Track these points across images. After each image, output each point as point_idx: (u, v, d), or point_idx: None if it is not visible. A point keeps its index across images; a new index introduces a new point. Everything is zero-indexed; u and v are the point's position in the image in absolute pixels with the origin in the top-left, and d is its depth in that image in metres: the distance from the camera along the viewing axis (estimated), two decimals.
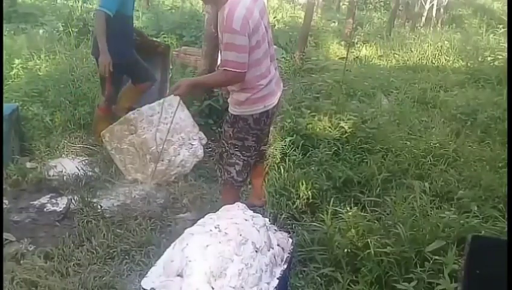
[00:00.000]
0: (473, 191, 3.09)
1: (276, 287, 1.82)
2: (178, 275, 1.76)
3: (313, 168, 3.42)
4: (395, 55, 8.42)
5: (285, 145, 3.70)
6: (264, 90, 2.46)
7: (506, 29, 8.60)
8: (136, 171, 3.50)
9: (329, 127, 3.98)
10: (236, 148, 2.56)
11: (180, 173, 3.54)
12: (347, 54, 6.25)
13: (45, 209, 3.13)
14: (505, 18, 10.10)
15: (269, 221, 2.19)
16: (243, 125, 2.51)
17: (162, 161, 3.43)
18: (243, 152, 2.56)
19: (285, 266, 1.96)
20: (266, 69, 2.45)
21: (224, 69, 2.32)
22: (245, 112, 2.49)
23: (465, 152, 3.79)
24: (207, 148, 3.93)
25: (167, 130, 3.28)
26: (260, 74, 2.41)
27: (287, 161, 3.51)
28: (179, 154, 3.53)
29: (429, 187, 3.06)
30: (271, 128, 3.98)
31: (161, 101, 3.66)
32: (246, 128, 2.51)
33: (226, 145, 2.63)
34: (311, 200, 3.08)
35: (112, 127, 3.57)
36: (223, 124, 2.71)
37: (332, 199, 2.92)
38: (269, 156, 3.68)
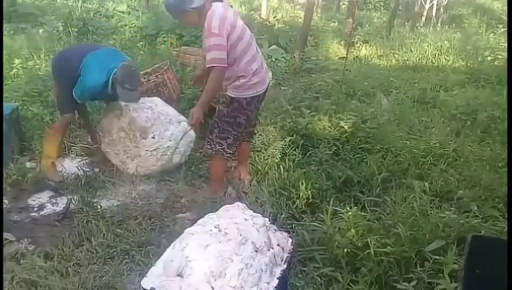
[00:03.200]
0: (473, 191, 3.09)
1: (276, 287, 1.82)
2: (178, 275, 1.76)
3: (312, 168, 3.43)
4: (395, 55, 8.41)
5: (285, 145, 3.71)
6: (256, 77, 3.00)
7: (506, 29, 8.59)
8: (131, 159, 3.51)
9: (329, 127, 3.98)
10: (229, 124, 3.08)
11: (173, 150, 3.51)
12: (347, 53, 6.24)
13: (45, 209, 3.13)
14: (505, 18, 10.08)
15: (269, 221, 2.19)
16: (237, 106, 3.04)
17: (153, 137, 3.48)
18: (234, 128, 3.10)
19: (285, 266, 1.96)
20: (252, 56, 2.99)
21: (212, 67, 2.82)
22: (240, 95, 3.01)
23: (465, 152, 3.79)
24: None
25: (152, 112, 3.51)
26: (248, 60, 2.96)
27: (286, 160, 3.51)
28: (168, 130, 3.58)
29: (429, 187, 3.06)
30: (271, 128, 4.01)
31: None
32: (239, 108, 3.04)
33: (219, 122, 3.11)
34: (311, 200, 3.09)
35: (101, 123, 3.65)
36: (217, 106, 3.16)
37: (332, 199, 2.92)
38: (269, 155, 3.69)
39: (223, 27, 2.77)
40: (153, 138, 3.49)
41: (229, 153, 3.21)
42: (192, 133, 3.70)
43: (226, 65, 2.81)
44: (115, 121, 3.55)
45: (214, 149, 3.16)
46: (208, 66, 2.84)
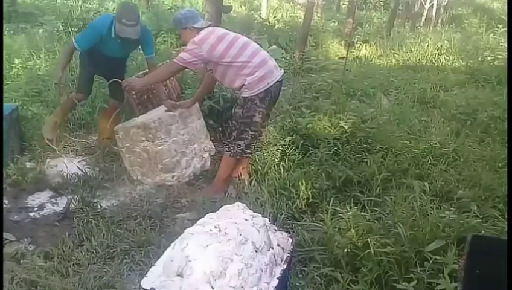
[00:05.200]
0: (473, 191, 3.09)
1: (276, 287, 1.82)
2: (178, 275, 1.76)
3: (312, 168, 3.43)
4: (395, 55, 8.42)
5: (285, 145, 3.70)
6: (262, 69, 3.11)
7: (506, 29, 8.59)
8: (142, 174, 3.48)
9: (329, 127, 3.98)
10: (246, 125, 3.19)
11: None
12: (347, 53, 6.26)
13: (45, 209, 3.12)
14: (505, 18, 10.09)
15: (269, 221, 2.19)
16: (251, 105, 3.14)
17: (173, 172, 3.44)
18: (252, 127, 3.20)
19: (285, 266, 1.96)
20: (252, 52, 3.15)
21: (173, 61, 3.19)
22: (253, 92, 3.11)
23: (465, 152, 3.79)
24: None
25: (182, 142, 3.43)
26: (248, 55, 3.13)
27: (286, 160, 3.51)
28: (189, 166, 3.55)
29: (429, 187, 3.05)
30: (271, 128, 4.00)
31: (182, 110, 3.60)
32: (254, 107, 3.14)
33: (236, 124, 3.22)
34: (311, 200, 3.08)
35: (128, 127, 3.49)
36: (233, 109, 3.34)
37: (332, 199, 2.92)
38: (269, 155, 3.69)
39: (205, 39, 3.09)
40: (173, 177, 3.45)
41: (248, 153, 3.34)
42: (211, 146, 3.76)
43: (183, 66, 3.14)
44: (144, 137, 3.39)
45: (232, 151, 3.25)
46: (173, 60, 3.23)
